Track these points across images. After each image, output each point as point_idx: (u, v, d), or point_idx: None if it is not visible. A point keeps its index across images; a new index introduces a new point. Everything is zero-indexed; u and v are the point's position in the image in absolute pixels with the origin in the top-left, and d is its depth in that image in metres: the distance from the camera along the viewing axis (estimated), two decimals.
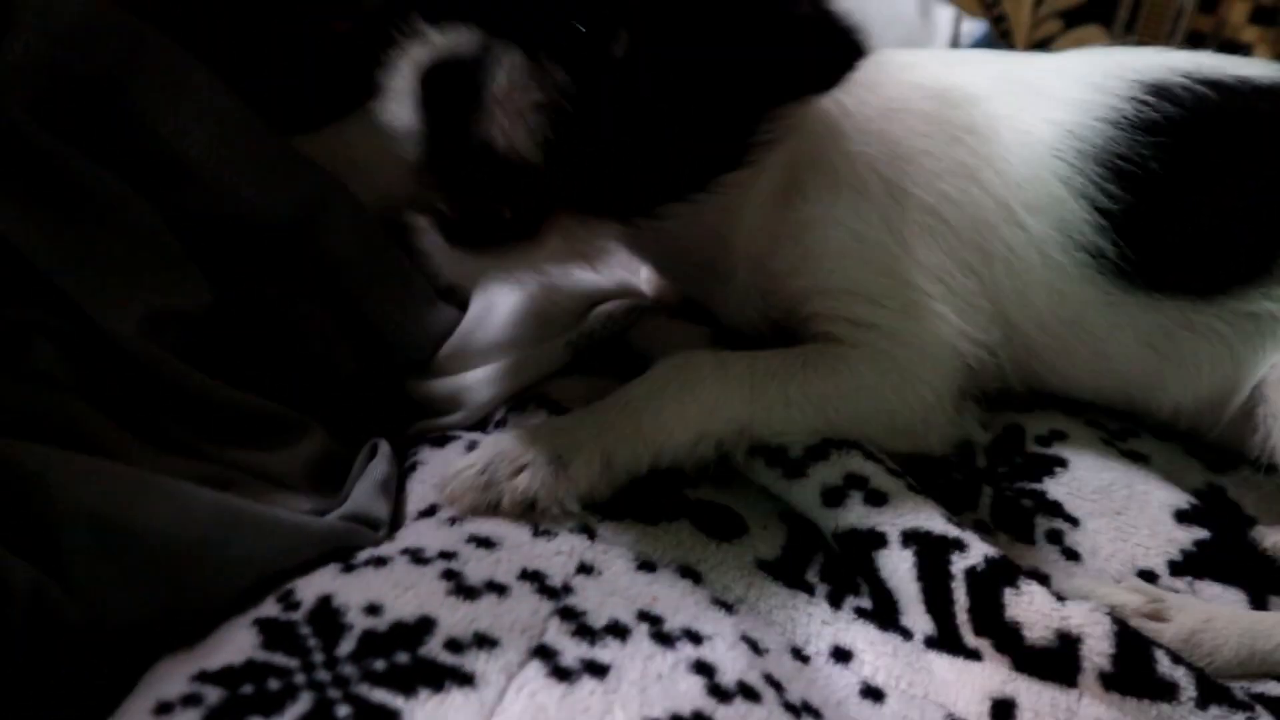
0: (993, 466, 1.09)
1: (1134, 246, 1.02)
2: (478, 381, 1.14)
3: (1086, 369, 1.10)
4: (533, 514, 0.89)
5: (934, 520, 0.91)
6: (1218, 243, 1.03)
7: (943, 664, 0.86)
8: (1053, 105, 1.06)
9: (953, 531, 0.90)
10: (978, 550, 0.89)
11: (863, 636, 0.88)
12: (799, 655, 0.85)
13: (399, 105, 0.82)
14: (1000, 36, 1.89)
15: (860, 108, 1.05)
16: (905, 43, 1.61)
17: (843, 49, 0.94)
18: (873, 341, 1.02)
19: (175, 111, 1.02)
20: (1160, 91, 1.04)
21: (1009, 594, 0.86)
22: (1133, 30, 1.83)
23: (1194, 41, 1.81)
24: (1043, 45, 1.88)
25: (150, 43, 1.01)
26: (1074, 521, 1.02)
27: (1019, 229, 1.04)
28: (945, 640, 0.87)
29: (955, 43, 1.66)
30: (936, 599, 0.88)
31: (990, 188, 1.05)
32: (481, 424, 1.11)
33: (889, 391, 1.01)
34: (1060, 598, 0.87)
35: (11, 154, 0.90)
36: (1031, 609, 0.85)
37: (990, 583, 0.87)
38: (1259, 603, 0.98)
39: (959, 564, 0.88)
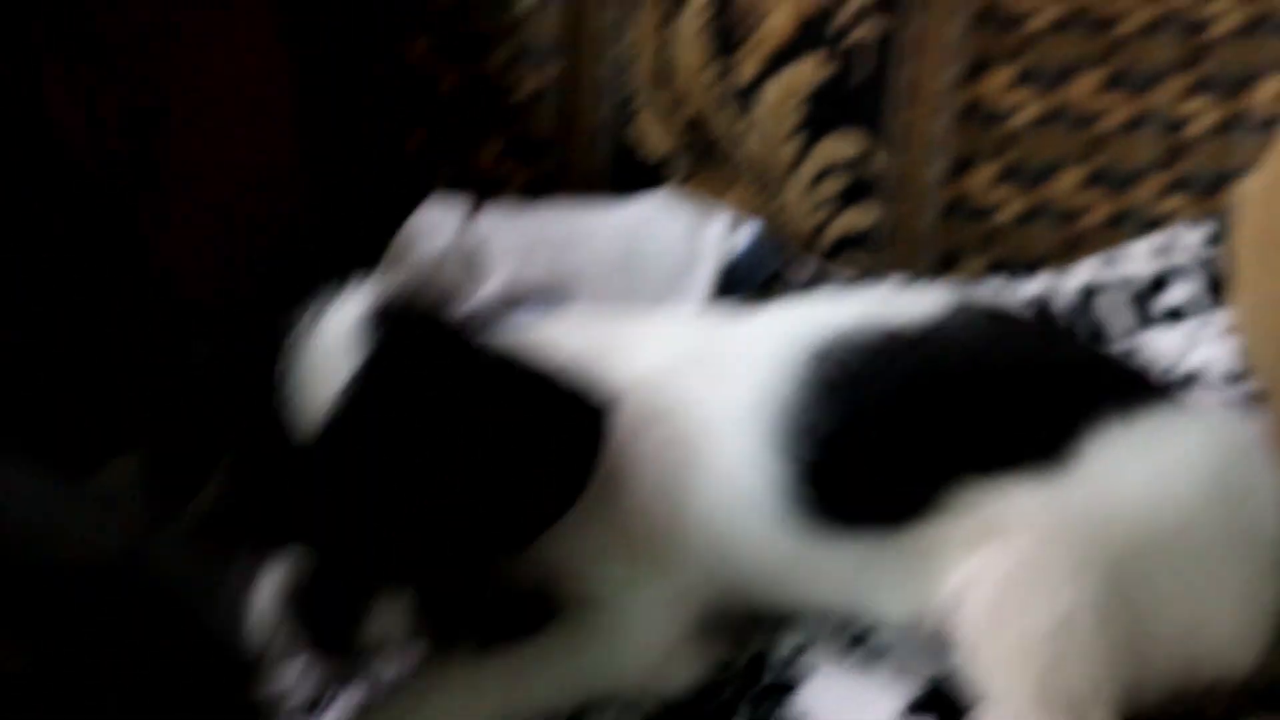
0: (744, 689, 1.23)
1: (819, 493, 1.19)
2: None
3: (802, 596, 1.26)
4: None
5: None
6: (889, 487, 1.19)
7: None
8: (739, 373, 1.24)
9: None
10: None
11: None
12: None
13: (264, 601, 1.01)
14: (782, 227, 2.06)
15: None
16: (674, 271, 1.79)
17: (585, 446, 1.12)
18: (600, 615, 1.20)
19: None
20: (826, 355, 1.21)
21: None
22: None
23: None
24: (820, 229, 2.06)
25: None
26: None
27: (714, 491, 1.21)
28: None
29: (731, 255, 1.83)
30: None
31: (685, 458, 1.22)
32: None
33: (628, 660, 1.19)
34: None
35: None
36: None
37: None
38: None
39: None
